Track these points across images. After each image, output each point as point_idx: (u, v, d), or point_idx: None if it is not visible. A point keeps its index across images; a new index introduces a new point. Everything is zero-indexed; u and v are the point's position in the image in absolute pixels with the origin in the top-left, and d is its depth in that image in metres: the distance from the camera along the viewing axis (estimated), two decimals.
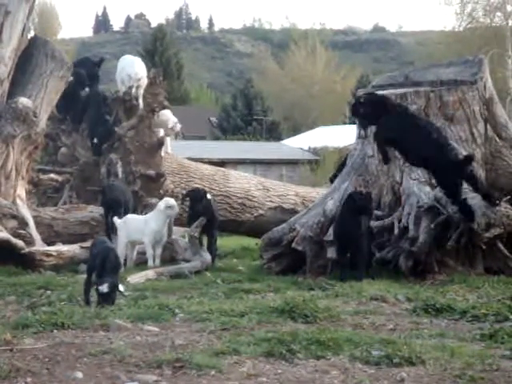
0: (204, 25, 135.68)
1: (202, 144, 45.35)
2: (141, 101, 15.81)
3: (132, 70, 15.78)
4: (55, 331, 7.59)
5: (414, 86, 12.61)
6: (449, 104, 12.27)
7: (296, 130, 57.91)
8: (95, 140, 15.76)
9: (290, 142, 49.88)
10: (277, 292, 10.30)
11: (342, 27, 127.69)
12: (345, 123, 52.94)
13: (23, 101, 13.56)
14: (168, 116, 16.49)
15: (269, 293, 10.31)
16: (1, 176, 13.45)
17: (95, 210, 14.38)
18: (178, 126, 16.82)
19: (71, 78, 14.98)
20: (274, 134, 56.07)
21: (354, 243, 11.29)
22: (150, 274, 11.92)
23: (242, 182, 17.60)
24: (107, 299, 8.92)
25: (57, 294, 9.80)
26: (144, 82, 15.95)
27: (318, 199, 13.93)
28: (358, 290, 10.03)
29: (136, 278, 11.41)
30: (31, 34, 14.28)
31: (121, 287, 9.07)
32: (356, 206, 11.28)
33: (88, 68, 16.59)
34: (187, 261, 13.29)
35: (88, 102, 16.21)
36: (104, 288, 8.87)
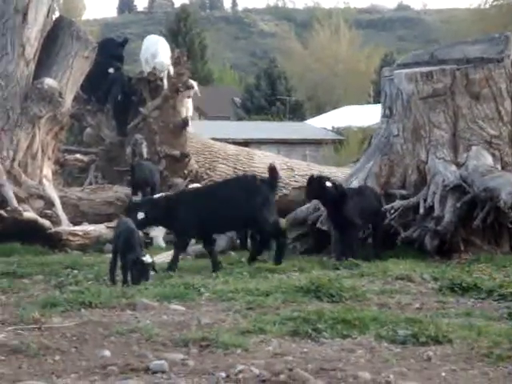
0: (227, 5, 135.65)
1: (225, 124, 45.33)
2: (165, 81, 15.81)
3: (154, 49, 15.78)
4: (83, 310, 7.64)
5: (439, 63, 12.53)
6: (475, 82, 12.18)
7: (320, 110, 57.72)
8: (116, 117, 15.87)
9: (314, 121, 49.74)
10: (302, 271, 10.30)
11: (365, 6, 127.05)
12: (369, 103, 52.71)
13: (49, 81, 13.62)
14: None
15: (294, 272, 10.31)
16: (27, 156, 13.54)
17: (120, 190, 14.44)
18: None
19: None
20: (297, 113, 55.88)
21: None
22: None
23: (266, 161, 17.53)
24: (147, 271, 9.10)
25: (83, 274, 9.88)
26: (167, 61, 15.94)
27: (342, 179, 13.90)
28: (383, 269, 10.01)
29: (161, 257, 11.45)
30: (56, 14, 14.27)
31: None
32: None
33: (112, 48, 16.61)
34: None
35: (112, 83, 16.24)
36: (147, 259, 9.08)
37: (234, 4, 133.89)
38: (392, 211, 11.79)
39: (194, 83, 16.79)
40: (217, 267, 10.49)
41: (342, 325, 6.84)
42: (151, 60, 15.68)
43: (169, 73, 15.87)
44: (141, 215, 10.44)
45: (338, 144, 39.74)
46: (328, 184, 11.26)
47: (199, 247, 12.57)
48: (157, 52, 15.70)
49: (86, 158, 16.01)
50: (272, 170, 11.15)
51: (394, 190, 12.31)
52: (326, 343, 6.48)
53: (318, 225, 12.26)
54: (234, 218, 10.72)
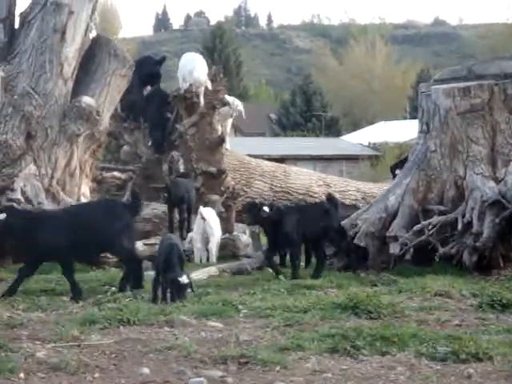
0: (263, 21, 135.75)
1: (261, 141, 45.42)
2: (202, 98, 15.86)
3: (191, 66, 15.85)
4: (121, 327, 7.66)
5: (477, 79, 12.45)
6: None
7: (355, 126, 57.68)
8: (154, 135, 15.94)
9: (350, 137, 49.71)
10: (339, 288, 10.26)
11: (401, 21, 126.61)
12: (405, 118, 52.56)
13: (87, 100, 13.74)
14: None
15: (331, 289, 10.27)
16: (65, 174, 13.65)
17: (158, 208, 14.47)
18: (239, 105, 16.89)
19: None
20: (333, 129, 55.90)
21: None
22: (212, 270, 11.96)
23: (302, 178, 17.60)
24: (185, 291, 9.08)
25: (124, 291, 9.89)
26: (204, 78, 16.00)
27: (379, 195, 13.85)
28: (421, 285, 9.94)
29: (198, 274, 11.45)
30: (94, 33, 14.41)
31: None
32: None
33: (149, 66, 16.71)
34: (249, 257, 13.33)
35: (149, 101, 16.33)
36: (184, 279, 9.05)
37: (270, 21, 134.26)
38: (430, 227, 11.71)
39: (240, 103, 16.92)
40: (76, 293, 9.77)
41: (380, 342, 6.80)
42: (188, 77, 15.73)
43: (205, 90, 15.92)
44: None
45: (374, 160, 39.64)
46: (265, 209, 11.28)
47: (236, 264, 12.59)
48: (194, 69, 15.76)
49: (123, 176, 16.08)
50: (134, 194, 11.08)
51: (431, 205, 12.23)
52: (364, 360, 6.44)
53: (355, 241, 12.21)
54: (91, 243, 10.05)
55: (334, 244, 12.12)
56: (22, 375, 5.92)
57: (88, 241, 9.91)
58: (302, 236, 11.43)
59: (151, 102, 16.33)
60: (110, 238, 9.97)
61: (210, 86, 15.85)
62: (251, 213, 11.48)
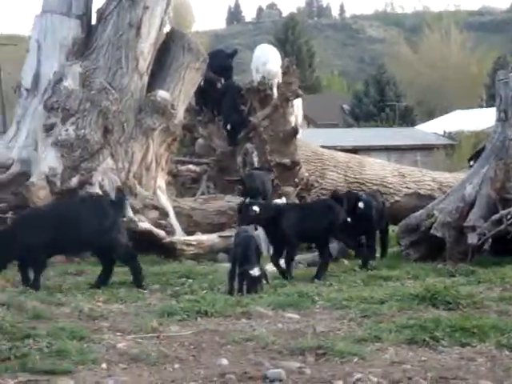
0: (335, 12, 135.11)
1: (334, 131, 45.25)
2: (275, 90, 15.87)
3: (265, 58, 15.87)
4: (199, 319, 7.74)
5: None
6: None
7: (430, 115, 57.03)
8: (228, 127, 15.96)
9: (424, 127, 49.19)
10: (416, 279, 10.20)
11: (477, 8, 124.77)
12: (481, 106, 51.79)
13: (162, 94, 13.87)
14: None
15: (408, 280, 10.22)
16: (142, 168, 13.81)
17: (232, 200, 14.54)
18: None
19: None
20: (407, 119, 55.36)
21: None
22: None
23: (377, 168, 17.47)
24: (257, 283, 9.13)
25: (198, 283, 9.98)
26: (277, 70, 16.00)
27: (456, 184, 13.69)
28: (501, 275, 9.82)
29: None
30: (168, 27, 14.55)
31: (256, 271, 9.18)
32: None
33: (222, 60, 16.77)
34: None
35: (223, 93, 16.40)
36: (255, 272, 9.10)
37: (342, 11, 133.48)
38: (508, 217, 11.54)
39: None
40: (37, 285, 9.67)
41: (460, 333, 6.74)
42: (262, 69, 15.76)
43: (278, 82, 15.92)
44: None
45: (450, 149, 39.16)
46: (254, 208, 10.77)
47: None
48: (267, 61, 15.77)
49: (198, 169, 16.20)
50: (118, 190, 10.96)
51: (510, 194, 12.05)
52: (444, 351, 6.39)
53: (432, 231, 12.10)
54: (76, 240, 9.93)
55: (342, 240, 11.68)
56: (104, 366, 6.03)
57: (74, 238, 9.90)
58: (303, 234, 10.93)
59: (224, 95, 16.39)
60: (99, 236, 9.89)
61: (280, 78, 15.84)
62: (241, 213, 11.10)
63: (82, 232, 9.84)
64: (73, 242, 9.99)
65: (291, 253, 10.89)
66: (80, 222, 9.90)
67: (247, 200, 12.22)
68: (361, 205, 12.65)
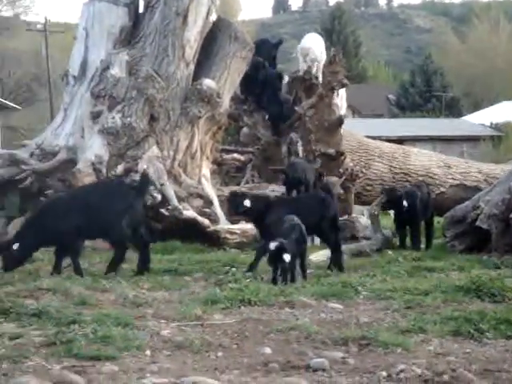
0: (382, 1, 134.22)
1: (379, 122, 45.01)
2: (320, 79, 15.83)
3: (312, 47, 15.83)
4: (242, 307, 7.76)
5: None
6: None
7: (477, 106, 56.42)
8: (267, 117, 16.00)
9: (471, 118, 48.70)
10: (461, 270, 10.13)
11: None
12: None
13: (207, 82, 13.90)
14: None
15: (453, 271, 10.17)
16: (187, 156, 13.87)
17: (277, 189, 14.54)
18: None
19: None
20: (453, 110, 54.86)
21: None
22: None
23: (422, 159, 17.38)
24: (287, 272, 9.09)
25: (242, 272, 10.00)
26: (323, 60, 15.96)
27: (502, 176, 13.56)
28: None
29: (318, 256, 11.48)
30: (214, 16, 14.55)
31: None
32: None
33: (267, 49, 16.76)
34: (368, 238, 13.28)
35: (266, 83, 16.38)
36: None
37: (389, 0, 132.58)
38: None
39: None
40: (79, 271, 9.77)
41: (505, 325, 6.69)
42: (307, 58, 15.74)
43: (324, 71, 15.88)
44: None
45: (497, 140, 38.77)
46: (245, 203, 10.45)
47: (355, 245, 12.57)
48: (313, 50, 15.74)
49: (242, 158, 16.22)
50: (144, 176, 10.87)
51: None
52: (489, 344, 6.35)
53: (478, 223, 12.01)
54: (97, 224, 9.88)
55: (323, 236, 11.05)
56: (148, 352, 6.07)
57: (94, 222, 9.89)
58: None
59: (265, 84, 16.36)
60: (110, 219, 9.85)
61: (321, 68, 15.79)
62: (232, 204, 10.87)
63: (101, 215, 9.86)
64: (96, 226, 9.98)
65: None
66: (98, 205, 9.91)
67: (238, 191, 11.90)
68: (405, 203, 12.66)
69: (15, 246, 9.69)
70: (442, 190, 16.44)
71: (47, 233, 9.77)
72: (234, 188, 14.73)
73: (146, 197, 11.37)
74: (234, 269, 10.29)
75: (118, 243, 10.10)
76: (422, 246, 13.00)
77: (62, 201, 10.56)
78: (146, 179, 10.86)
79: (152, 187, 12.72)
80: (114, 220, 9.84)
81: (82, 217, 9.80)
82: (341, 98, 16.39)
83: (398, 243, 13.17)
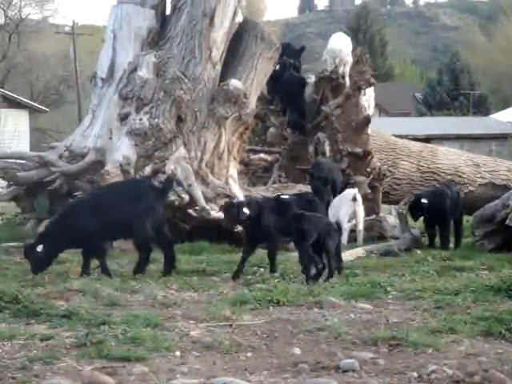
0: (409, 0, 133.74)
1: (406, 120, 44.85)
2: (347, 79, 15.79)
3: (339, 47, 15.80)
4: (271, 308, 7.76)
5: None
6: None
7: (505, 104, 56.04)
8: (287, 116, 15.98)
9: (499, 115, 48.38)
10: (491, 270, 10.08)
11: None
12: None
13: (234, 83, 13.91)
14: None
15: (482, 270, 10.11)
16: (214, 156, 13.88)
17: (304, 189, 14.51)
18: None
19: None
20: (481, 108, 54.58)
21: None
22: (359, 251, 11.94)
23: (450, 158, 17.30)
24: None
25: (270, 272, 10.00)
26: (350, 59, 15.92)
27: None
28: None
29: (346, 255, 11.44)
30: (240, 17, 14.56)
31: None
32: None
33: (290, 53, 16.71)
34: (396, 238, 13.23)
35: (285, 85, 16.37)
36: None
37: None
38: None
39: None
40: (106, 272, 9.86)
41: None
42: (335, 58, 15.70)
43: (351, 70, 15.84)
44: None
45: None
46: (244, 210, 10.08)
47: (383, 245, 12.53)
48: (340, 50, 15.71)
49: (269, 158, 16.21)
50: (169, 177, 10.87)
51: None
52: None
53: (507, 222, 11.92)
54: (117, 224, 9.91)
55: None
56: (177, 353, 6.08)
57: (116, 222, 9.91)
58: (281, 230, 10.14)
59: (287, 87, 16.36)
60: (132, 219, 9.86)
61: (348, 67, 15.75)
62: (229, 214, 10.34)
63: (123, 216, 9.88)
64: (118, 227, 10.02)
65: (274, 248, 10.37)
66: (120, 206, 9.96)
67: (235, 200, 11.51)
68: (424, 201, 12.62)
69: (39, 248, 9.75)
70: (471, 188, 16.35)
71: (71, 234, 9.84)
72: (260, 188, 14.75)
73: (169, 197, 11.42)
74: (262, 269, 10.29)
75: (141, 244, 10.14)
76: (451, 245, 12.93)
77: (84, 202, 10.62)
78: (170, 181, 10.88)
79: (179, 188, 12.78)
80: (137, 221, 9.87)
81: (104, 218, 9.85)
82: (369, 97, 16.34)
83: (426, 242, 13.11)
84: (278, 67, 15.33)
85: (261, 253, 12.08)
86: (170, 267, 10.04)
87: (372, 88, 16.44)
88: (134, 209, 9.89)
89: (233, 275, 9.82)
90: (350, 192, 13.28)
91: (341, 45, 15.85)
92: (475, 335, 6.53)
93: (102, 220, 9.85)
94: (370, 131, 16.02)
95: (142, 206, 9.94)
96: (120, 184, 11.63)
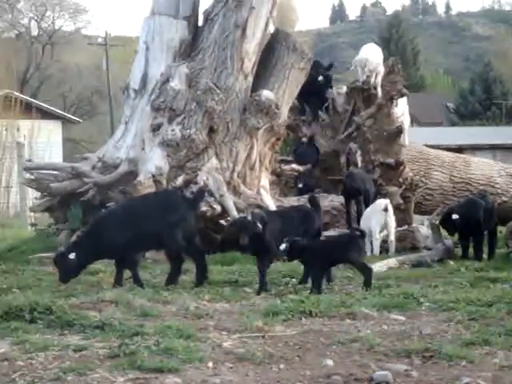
0: (441, 9, 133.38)
1: (438, 130, 44.69)
2: (379, 89, 15.78)
3: (369, 57, 15.79)
4: (303, 319, 7.73)
5: None
6: None
7: None
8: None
9: None
10: None
11: None
12: None
13: (266, 93, 13.94)
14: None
15: None
16: (246, 167, 13.91)
17: (336, 200, 14.51)
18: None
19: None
20: None
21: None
22: (391, 262, 11.90)
23: (483, 168, 17.23)
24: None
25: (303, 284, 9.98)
26: (381, 69, 15.90)
27: None
28: None
29: (378, 266, 11.41)
30: (272, 27, 14.58)
31: None
32: None
33: (319, 72, 16.66)
34: (429, 249, 13.18)
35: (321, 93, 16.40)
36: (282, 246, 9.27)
37: (448, 8, 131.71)
38: None
39: None
40: (138, 282, 9.91)
41: None
42: (366, 68, 15.70)
43: (383, 81, 15.83)
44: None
45: None
46: (258, 225, 9.78)
47: (416, 256, 12.47)
48: (372, 60, 15.70)
49: (301, 168, 16.21)
50: (201, 188, 10.91)
51: None
52: None
53: None
54: (148, 234, 9.92)
55: None
56: (210, 364, 6.08)
57: (147, 233, 9.94)
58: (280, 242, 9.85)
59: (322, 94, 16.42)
60: (163, 229, 9.88)
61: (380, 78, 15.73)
62: (245, 231, 9.87)
63: (154, 227, 9.89)
64: (149, 238, 10.03)
65: (269, 261, 10.11)
66: (151, 217, 9.97)
67: (244, 215, 11.06)
68: (454, 217, 12.56)
69: (72, 256, 9.80)
70: (504, 199, 16.26)
71: (102, 245, 9.88)
72: (292, 199, 14.73)
73: (201, 208, 11.49)
74: (294, 280, 10.27)
75: (172, 254, 10.16)
76: (485, 256, 12.84)
77: (115, 213, 10.68)
78: (201, 192, 10.91)
79: (211, 198, 12.81)
80: (168, 232, 9.90)
81: (135, 228, 9.89)
82: (402, 108, 16.31)
83: (459, 253, 13.03)
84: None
85: (293, 264, 12.11)
86: (202, 278, 10.06)
87: (405, 98, 16.42)
88: (165, 219, 9.93)
89: (258, 292, 9.57)
90: (382, 202, 13.26)
91: (369, 54, 15.84)
92: (510, 347, 6.46)
93: (133, 231, 9.89)
94: (407, 142, 15.97)
95: (173, 217, 9.96)
96: (151, 195, 11.67)
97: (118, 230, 9.92)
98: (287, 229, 10.10)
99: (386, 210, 13.05)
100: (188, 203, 10.28)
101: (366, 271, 9.56)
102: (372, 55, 15.86)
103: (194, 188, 12.77)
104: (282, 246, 9.40)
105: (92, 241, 9.95)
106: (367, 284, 9.45)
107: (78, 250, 9.90)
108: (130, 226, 9.93)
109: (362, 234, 9.88)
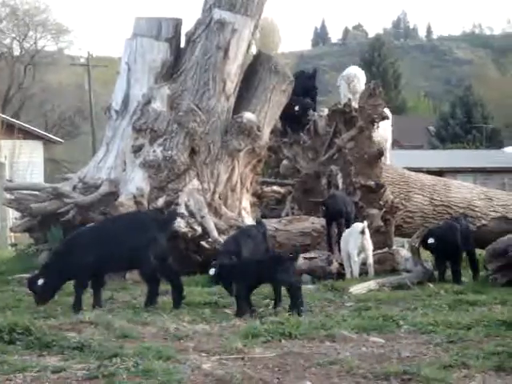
0: (422, 33, 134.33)
1: (419, 153, 44.91)
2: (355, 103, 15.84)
3: (353, 72, 15.92)
4: (283, 341, 7.74)
5: None
6: None
7: None
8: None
9: None
10: (504, 304, 10.01)
11: None
12: None
13: (248, 115, 13.99)
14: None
15: (495, 305, 10.03)
16: (227, 189, 13.94)
17: (316, 222, 14.52)
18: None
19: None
20: (494, 141, 54.66)
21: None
22: (371, 284, 11.91)
23: (463, 191, 17.27)
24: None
25: (282, 304, 9.97)
26: (362, 88, 16.02)
27: None
28: None
29: (358, 288, 11.44)
30: (254, 49, 14.70)
31: None
32: None
33: (303, 81, 16.79)
34: (408, 271, 13.20)
35: (303, 114, 16.46)
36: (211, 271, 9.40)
37: (429, 32, 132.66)
38: None
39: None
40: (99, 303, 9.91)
41: None
42: (348, 91, 15.80)
43: (364, 103, 15.89)
44: None
45: None
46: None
47: (395, 278, 12.49)
48: (354, 84, 15.82)
49: (282, 190, 16.24)
50: (173, 211, 11.04)
51: None
52: None
53: None
54: (117, 255, 9.89)
55: None
56: None
57: (118, 254, 9.90)
58: None
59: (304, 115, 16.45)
60: (136, 251, 9.83)
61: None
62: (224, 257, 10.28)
63: (121, 247, 9.85)
64: (117, 258, 9.98)
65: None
66: (118, 237, 9.95)
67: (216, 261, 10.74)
68: (430, 241, 12.61)
69: (40, 282, 9.77)
70: (484, 222, 16.29)
71: (71, 266, 9.81)
72: (273, 220, 14.75)
73: (181, 229, 11.71)
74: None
75: (146, 276, 10.13)
76: (464, 278, 12.88)
77: (85, 234, 10.62)
78: (173, 213, 10.91)
79: (192, 220, 12.81)
80: (139, 253, 9.86)
81: (103, 249, 9.84)
82: (384, 131, 16.39)
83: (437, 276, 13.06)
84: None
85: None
86: (179, 299, 10.01)
87: (389, 121, 16.51)
88: (135, 240, 9.86)
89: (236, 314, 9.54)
90: (359, 225, 13.29)
91: (357, 71, 15.96)
92: (487, 370, 6.49)
93: (101, 252, 9.82)
94: (389, 162, 16.02)
95: (143, 238, 9.90)
96: (122, 216, 11.63)
97: (86, 251, 9.86)
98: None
99: (362, 232, 13.08)
100: (159, 224, 10.23)
101: (293, 292, 9.35)
102: (356, 70, 15.99)
103: (177, 209, 12.79)
104: (211, 271, 9.44)
105: (61, 262, 9.89)
106: (294, 305, 9.19)
107: (48, 272, 9.85)
108: (98, 247, 9.86)
109: (293, 256, 9.81)
